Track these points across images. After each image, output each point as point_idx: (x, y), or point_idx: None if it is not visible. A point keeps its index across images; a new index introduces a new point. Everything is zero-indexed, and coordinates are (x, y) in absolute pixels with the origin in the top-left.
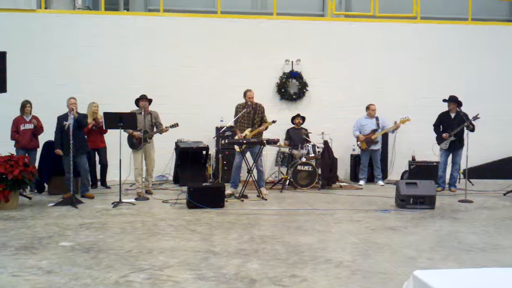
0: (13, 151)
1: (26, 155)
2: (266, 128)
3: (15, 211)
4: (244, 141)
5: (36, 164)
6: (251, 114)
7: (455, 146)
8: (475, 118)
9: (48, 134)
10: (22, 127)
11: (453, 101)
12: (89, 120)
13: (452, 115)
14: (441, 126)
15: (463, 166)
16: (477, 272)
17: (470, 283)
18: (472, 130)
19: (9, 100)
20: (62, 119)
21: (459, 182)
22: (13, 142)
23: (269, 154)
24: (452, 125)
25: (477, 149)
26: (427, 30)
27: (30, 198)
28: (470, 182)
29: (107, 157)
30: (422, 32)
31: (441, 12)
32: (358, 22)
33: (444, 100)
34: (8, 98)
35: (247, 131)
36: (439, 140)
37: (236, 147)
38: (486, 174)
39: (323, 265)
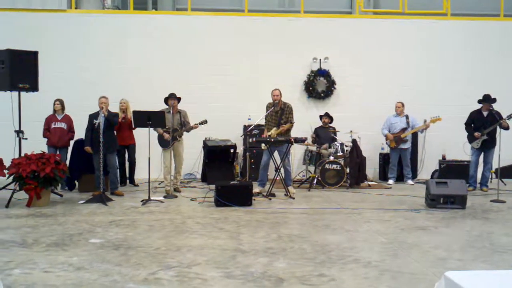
0: (45, 148)
1: (58, 153)
2: (288, 129)
3: (46, 208)
4: (272, 140)
5: (67, 162)
6: (278, 113)
7: (487, 145)
8: (510, 117)
9: (78, 133)
10: (53, 125)
11: (488, 100)
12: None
13: (485, 113)
14: (472, 125)
15: (495, 166)
16: None
17: (504, 285)
18: (507, 128)
19: (41, 99)
20: (93, 117)
21: (491, 181)
22: (45, 140)
23: (296, 152)
24: (484, 123)
25: (510, 148)
26: (458, 27)
27: (61, 195)
28: (503, 181)
29: (135, 154)
30: (452, 29)
31: (472, 9)
32: (387, 19)
33: (480, 101)
34: (40, 97)
35: (273, 130)
36: (471, 139)
37: (263, 145)
38: None
39: (351, 264)
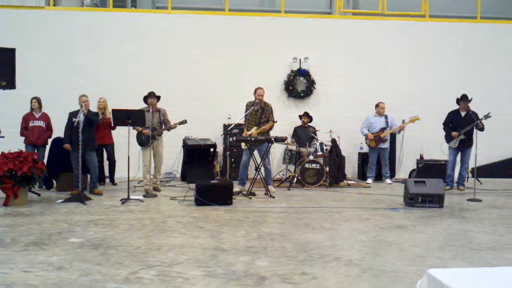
0: (23, 147)
1: (35, 151)
2: (270, 128)
3: (24, 207)
4: (252, 139)
5: (45, 161)
6: (258, 112)
7: (465, 145)
8: (487, 116)
9: (57, 131)
10: (31, 124)
11: (466, 99)
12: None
13: (462, 113)
14: (450, 125)
15: (471, 165)
16: (494, 271)
17: (486, 282)
18: (482, 129)
19: (18, 97)
20: (72, 115)
21: (467, 181)
22: (23, 138)
23: (276, 152)
24: (462, 123)
25: (486, 148)
26: (436, 29)
27: (39, 194)
28: (479, 181)
29: (114, 153)
30: (430, 30)
31: (450, 11)
32: (366, 20)
33: (457, 101)
34: (18, 95)
35: (253, 130)
36: (448, 138)
37: (243, 145)
38: (495, 173)
39: (332, 263)
